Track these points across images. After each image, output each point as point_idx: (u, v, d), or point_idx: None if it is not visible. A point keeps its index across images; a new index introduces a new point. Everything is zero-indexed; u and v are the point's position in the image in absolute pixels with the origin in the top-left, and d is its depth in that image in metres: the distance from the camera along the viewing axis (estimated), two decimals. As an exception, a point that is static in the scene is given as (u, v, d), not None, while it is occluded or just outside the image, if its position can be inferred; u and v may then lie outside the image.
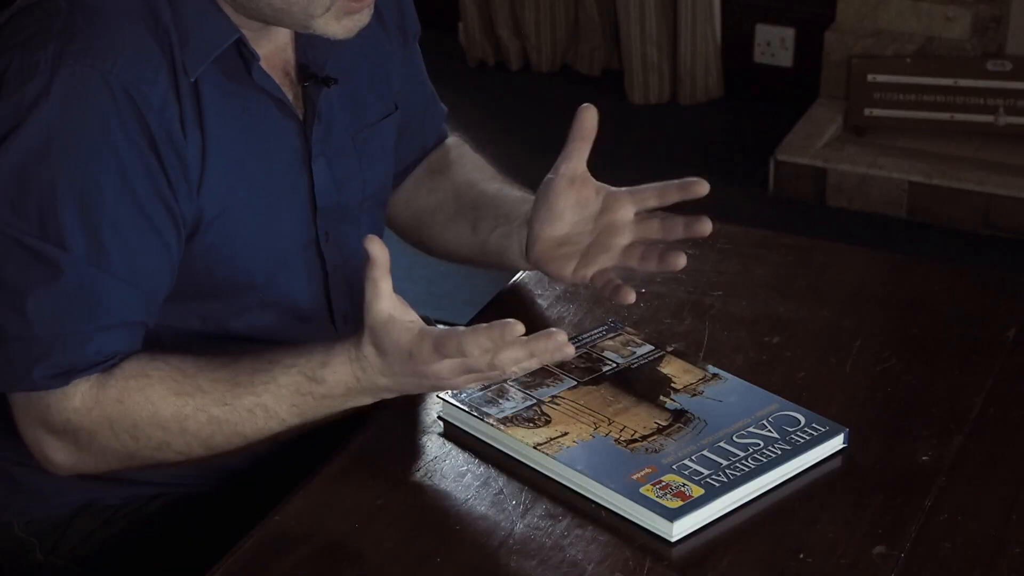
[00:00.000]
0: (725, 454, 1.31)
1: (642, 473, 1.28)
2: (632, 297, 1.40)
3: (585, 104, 1.42)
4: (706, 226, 1.40)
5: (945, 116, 3.69)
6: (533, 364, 1.26)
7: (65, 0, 1.28)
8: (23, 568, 1.49)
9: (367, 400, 1.33)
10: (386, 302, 1.27)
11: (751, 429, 1.35)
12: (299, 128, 1.40)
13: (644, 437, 1.33)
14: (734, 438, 1.33)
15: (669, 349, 1.46)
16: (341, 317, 1.51)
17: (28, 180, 1.25)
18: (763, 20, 4.11)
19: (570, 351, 1.24)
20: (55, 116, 1.24)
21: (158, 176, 1.29)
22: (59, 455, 1.33)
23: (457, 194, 1.60)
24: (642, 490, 1.26)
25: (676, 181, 1.42)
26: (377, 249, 1.26)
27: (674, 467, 1.29)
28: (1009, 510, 1.28)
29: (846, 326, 1.55)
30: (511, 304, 1.62)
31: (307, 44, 1.41)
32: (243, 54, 1.34)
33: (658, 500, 1.25)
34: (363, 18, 1.33)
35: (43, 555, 1.48)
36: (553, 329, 1.24)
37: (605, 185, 1.45)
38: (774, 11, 4.08)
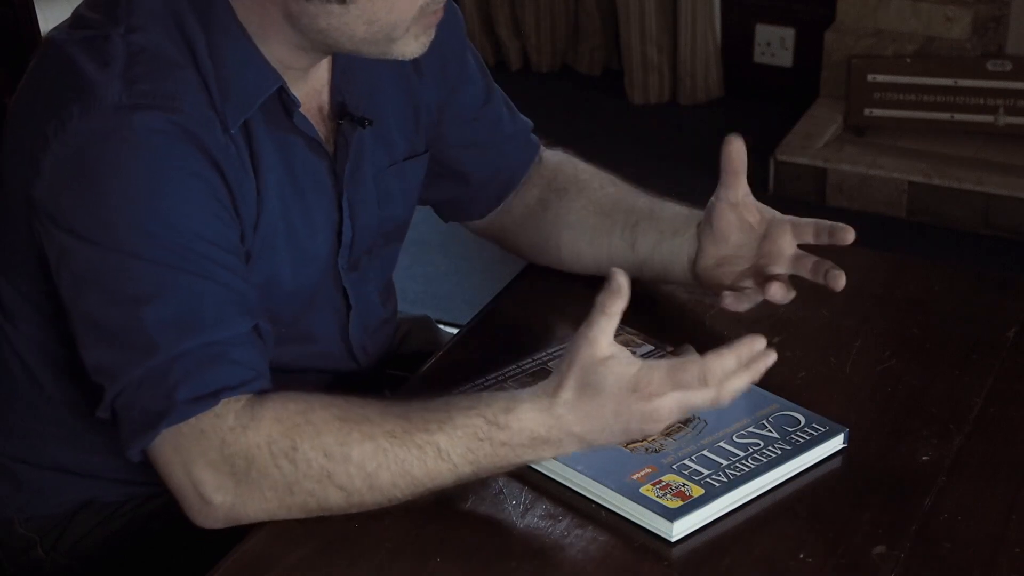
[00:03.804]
0: (725, 454, 1.31)
1: (642, 473, 1.28)
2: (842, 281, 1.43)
3: (732, 135, 1.45)
4: (848, 235, 1.44)
5: (945, 116, 3.69)
6: (743, 387, 1.25)
7: (120, 39, 1.27)
8: (24, 565, 1.49)
9: (547, 453, 1.25)
10: (607, 338, 1.23)
11: (751, 429, 1.35)
12: (330, 166, 1.41)
13: (644, 437, 1.33)
14: (734, 438, 1.33)
15: (669, 349, 1.46)
16: (360, 349, 1.52)
17: (111, 212, 1.24)
18: (763, 20, 4.11)
19: (773, 357, 1.25)
20: (123, 148, 1.23)
21: (229, 207, 1.29)
22: (217, 494, 1.23)
23: (602, 211, 1.57)
24: (642, 490, 1.26)
25: (829, 224, 1.45)
26: (623, 282, 1.23)
27: (674, 467, 1.29)
28: (1009, 510, 1.28)
29: (846, 326, 1.55)
30: (511, 304, 1.62)
31: (343, 83, 1.41)
32: (284, 101, 1.34)
33: (658, 500, 1.25)
34: (433, 32, 1.34)
35: (44, 552, 1.48)
36: (753, 337, 1.24)
37: (769, 209, 1.48)
38: (774, 11, 4.09)
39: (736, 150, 1.45)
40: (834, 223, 1.45)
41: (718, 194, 1.47)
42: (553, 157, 1.65)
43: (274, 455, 1.22)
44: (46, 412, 1.44)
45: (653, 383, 1.21)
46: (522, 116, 1.65)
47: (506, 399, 1.24)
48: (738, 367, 1.23)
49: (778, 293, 1.44)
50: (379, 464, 1.22)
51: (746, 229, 1.47)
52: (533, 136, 1.66)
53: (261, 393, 1.25)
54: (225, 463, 1.22)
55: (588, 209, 1.58)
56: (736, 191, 1.47)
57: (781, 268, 1.46)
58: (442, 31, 1.45)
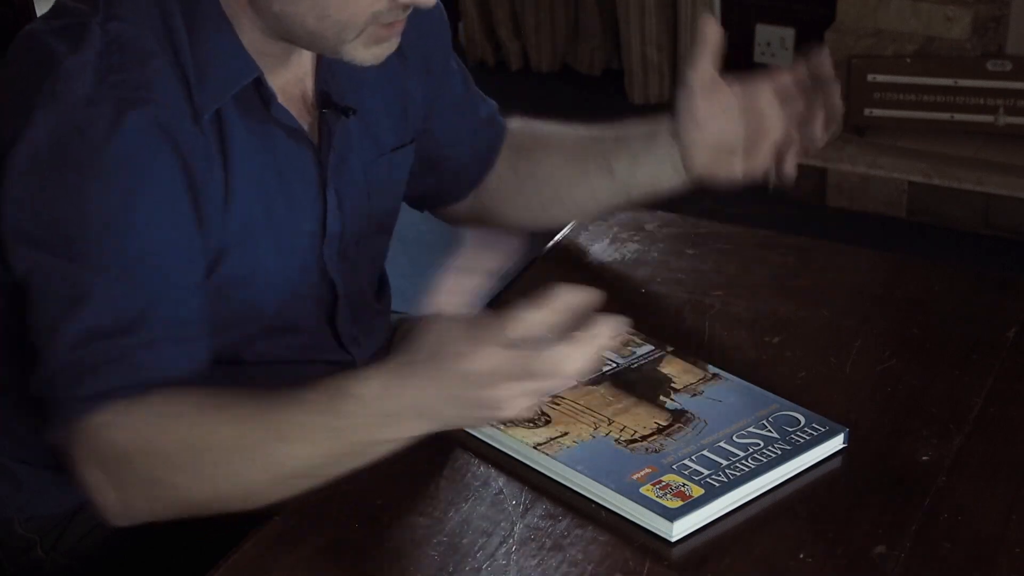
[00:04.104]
0: (725, 454, 1.31)
1: (642, 473, 1.28)
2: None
3: (708, 17, 1.46)
4: (825, 57, 1.44)
5: (945, 116, 3.69)
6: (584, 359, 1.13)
7: (98, 26, 1.27)
8: (24, 565, 1.49)
9: (399, 430, 1.19)
10: (447, 296, 1.20)
11: (751, 429, 1.35)
12: (314, 156, 1.41)
13: (644, 437, 1.33)
14: (734, 438, 1.33)
15: (669, 349, 1.46)
16: (351, 340, 1.51)
17: (61, 207, 1.24)
18: (763, 20, 4.11)
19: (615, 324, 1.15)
20: (91, 146, 1.23)
21: (187, 208, 1.29)
22: (108, 495, 1.25)
23: (571, 155, 1.59)
24: (642, 490, 1.26)
25: (803, 65, 1.45)
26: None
27: (674, 467, 1.29)
28: (1009, 510, 1.28)
29: (846, 326, 1.55)
30: (512, 303, 1.61)
31: (328, 73, 1.41)
32: (261, 92, 1.34)
33: (658, 500, 1.25)
34: (392, 45, 1.33)
35: (44, 552, 1.48)
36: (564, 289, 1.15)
37: (743, 80, 1.48)
38: (774, 11, 4.09)
39: (712, 30, 1.45)
40: (813, 56, 1.45)
41: (687, 80, 1.47)
42: (512, 124, 1.67)
43: (149, 457, 1.23)
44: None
45: (457, 341, 1.14)
46: (488, 101, 1.67)
47: (356, 374, 1.20)
48: (545, 316, 1.14)
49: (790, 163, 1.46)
50: (241, 458, 1.22)
51: (723, 106, 1.47)
52: (499, 117, 1.67)
53: (143, 394, 1.25)
54: (101, 464, 1.24)
55: (557, 160, 1.60)
56: (703, 69, 1.46)
57: (777, 122, 1.46)
58: (426, 27, 1.46)
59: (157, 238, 1.25)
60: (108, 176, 1.23)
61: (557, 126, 1.65)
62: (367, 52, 1.31)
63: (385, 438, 1.20)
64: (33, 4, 1.81)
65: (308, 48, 1.35)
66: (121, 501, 1.25)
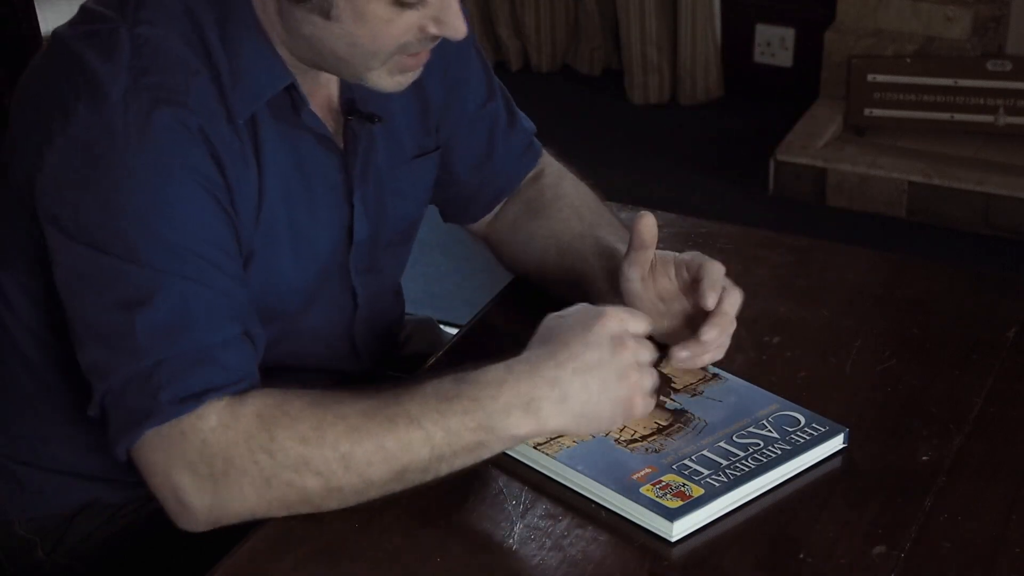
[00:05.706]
0: (725, 454, 1.31)
1: (642, 473, 1.28)
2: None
3: (643, 212, 1.38)
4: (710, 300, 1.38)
5: (945, 116, 3.70)
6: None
7: (127, 32, 1.27)
8: (24, 566, 1.49)
9: (519, 415, 1.23)
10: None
11: (751, 429, 1.35)
12: (340, 162, 1.41)
13: (644, 437, 1.33)
14: (734, 438, 1.33)
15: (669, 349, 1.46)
16: (364, 347, 1.52)
17: (110, 211, 1.24)
18: (763, 20, 4.11)
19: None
20: (134, 147, 1.23)
21: (225, 206, 1.29)
22: (196, 497, 1.22)
23: (560, 249, 1.54)
24: (642, 490, 1.26)
25: (713, 283, 1.37)
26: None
27: (674, 467, 1.29)
28: (1009, 510, 1.28)
29: (846, 326, 1.55)
30: (512, 303, 1.62)
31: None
32: (293, 98, 1.35)
33: (658, 500, 1.25)
34: (415, 75, 1.34)
35: (44, 553, 1.48)
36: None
37: (695, 258, 1.39)
38: (774, 11, 4.09)
39: (646, 225, 1.37)
40: (713, 285, 1.36)
41: (622, 270, 1.40)
42: (548, 169, 1.63)
43: (252, 450, 1.22)
44: (49, 413, 1.44)
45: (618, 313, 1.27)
46: (525, 122, 1.63)
47: (474, 365, 1.26)
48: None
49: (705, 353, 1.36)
50: (353, 442, 1.22)
51: (662, 296, 1.40)
52: (536, 144, 1.63)
53: (243, 391, 1.25)
54: (204, 464, 1.22)
55: (550, 241, 1.55)
56: (641, 267, 1.39)
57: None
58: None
59: (200, 234, 1.25)
60: (147, 177, 1.23)
61: (574, 199, 1.58)
62: (391, 80, 1.33)
63: (508, 424, 1.24)
64: (34, 4, 1.80)
65: (332, 72, 1.36)
66: (216, 504, 1.23)
